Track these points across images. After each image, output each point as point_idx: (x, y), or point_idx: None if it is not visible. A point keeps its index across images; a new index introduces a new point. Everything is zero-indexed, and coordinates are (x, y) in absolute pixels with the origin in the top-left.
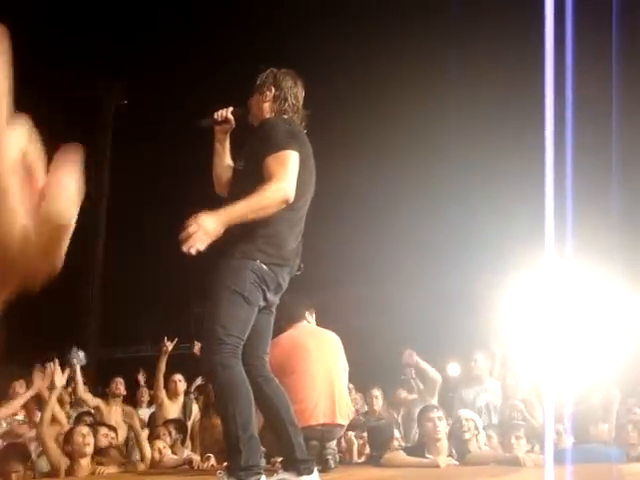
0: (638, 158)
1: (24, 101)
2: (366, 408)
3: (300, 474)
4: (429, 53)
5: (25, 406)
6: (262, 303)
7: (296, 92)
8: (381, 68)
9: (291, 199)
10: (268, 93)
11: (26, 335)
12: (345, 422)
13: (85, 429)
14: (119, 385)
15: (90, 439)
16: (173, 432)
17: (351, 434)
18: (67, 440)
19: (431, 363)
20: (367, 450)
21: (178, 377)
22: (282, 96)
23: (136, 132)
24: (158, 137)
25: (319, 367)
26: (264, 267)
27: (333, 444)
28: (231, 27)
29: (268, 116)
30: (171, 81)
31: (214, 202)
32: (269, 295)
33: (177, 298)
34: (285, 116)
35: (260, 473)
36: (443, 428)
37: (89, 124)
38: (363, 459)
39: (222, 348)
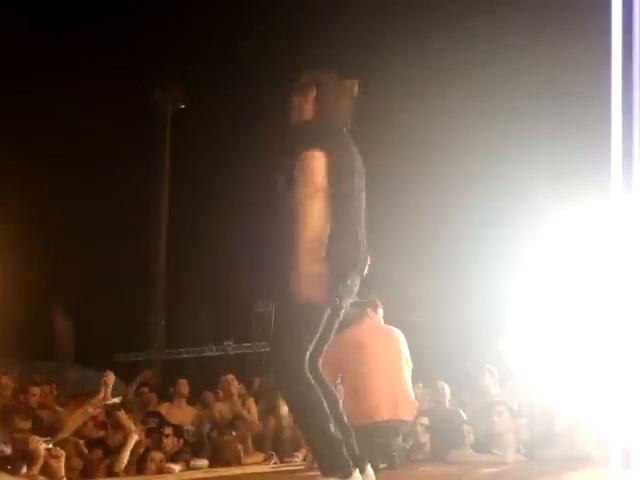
0: None
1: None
2: (432, 404)
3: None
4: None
5: None
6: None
7: (338, 93)
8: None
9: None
10: (310, 94)
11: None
12: (410, 418)
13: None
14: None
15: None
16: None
17: (419, 429)
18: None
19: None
20: (433, 446)
21: (230, 377)
22: (323, 98)
23: (194, 135)
24: (217, 139)
25: (381, 364)
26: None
27: (399, 440)
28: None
29: (309, 119)
30: (228, 84)
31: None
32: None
33: (238, 299)
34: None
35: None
36: (509, 422)
37: (148, 129)
38: (429, 456)
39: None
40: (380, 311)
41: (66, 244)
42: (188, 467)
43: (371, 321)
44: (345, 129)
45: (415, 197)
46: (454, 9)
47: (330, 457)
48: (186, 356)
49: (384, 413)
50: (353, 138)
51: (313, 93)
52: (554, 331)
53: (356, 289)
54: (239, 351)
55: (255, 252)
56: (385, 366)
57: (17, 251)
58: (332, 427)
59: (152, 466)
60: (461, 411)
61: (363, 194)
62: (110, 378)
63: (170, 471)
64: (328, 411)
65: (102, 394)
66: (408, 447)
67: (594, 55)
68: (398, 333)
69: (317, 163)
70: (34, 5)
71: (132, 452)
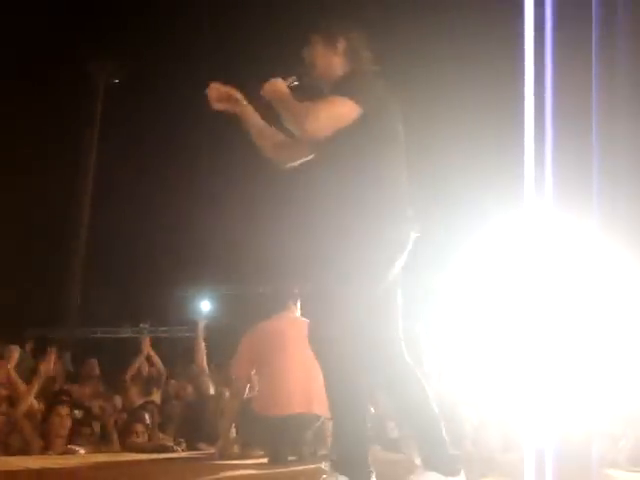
0: (617, 104)
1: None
2: None
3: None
4: None
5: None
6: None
7: (366, 47)
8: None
9: (309, 135)
10: (339, 46)
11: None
12: (324, 413)
13: (65, 410)
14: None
15: (68, 421)
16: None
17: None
18: (44, 420)
19: None
20: None
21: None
22: (355, 49)
23: (127, 110)
24: (149, 115)
25: (297, 357)
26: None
27: (309, 434)
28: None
29: (343, 73)
30: (166, 60)
31: (204, 184)
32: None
33: (159, 281)
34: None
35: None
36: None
37: (80, 101)
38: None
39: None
40: (298, 304)
41: None
42: (95, 451)
43: (289, 313)
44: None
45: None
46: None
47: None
48: (100, 336)
49: (297, 406)
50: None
51: (342, 45)
52: (465, 331)
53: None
54: (156, 335)
55: (181, 234)
56: (301, 359)
57: None
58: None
59: (56, 444)
60: (371, 408)
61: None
62: (13, 353)
63: (74, 452)
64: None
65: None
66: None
67: (507, 58)
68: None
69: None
70: None
71: (38, 429)
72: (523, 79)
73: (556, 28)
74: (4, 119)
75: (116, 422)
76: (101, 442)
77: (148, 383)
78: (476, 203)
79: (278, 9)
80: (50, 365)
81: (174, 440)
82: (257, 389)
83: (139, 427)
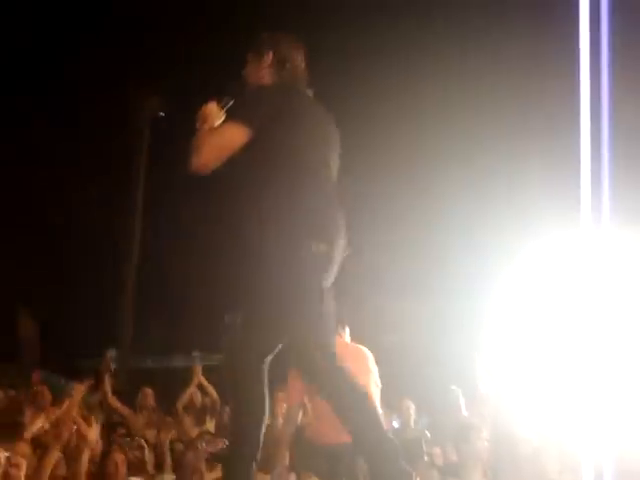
0: None
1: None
2: (397, 425)
3: None
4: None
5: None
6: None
7: (297, 56)
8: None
9: (195, 171)
10: (266, 58)
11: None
12: None
13: (121, 457)
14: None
15: (124, 468)
16: None
17: None
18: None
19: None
20: None
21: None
22: (282, 60)
23: (173, 142)
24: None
25: None
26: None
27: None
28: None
29: (267, 83)
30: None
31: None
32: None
33: (210, 309)
34: (286, 82)
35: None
36: (477, 447)
37: (127, 133)
38: None
39: None
40: (347, 329)
41: (36, 245)
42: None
43: (339, 339)
44: (311, 94)
45: (390, 217)
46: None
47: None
48: (151, 365)
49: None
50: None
51: (269, 58)
52: (523, 355)
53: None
54: (207, 363)
55: (228, 263)
56: None
57: None
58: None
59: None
60: (427, 432)
61: (333, 164)
62: (78, 391)
63: None
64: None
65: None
66: None
67: (564, 80)
68: (367, 352)
69: None
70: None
71: (92, 461)
72: (578, 87)
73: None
74: (53, 150)
75: (171, 452)
76: (156, 472)
77: (202, 412)
78: (531, 222)
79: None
80: (108, 396)
81: None
82: (310, 417)
83: (193, 457)
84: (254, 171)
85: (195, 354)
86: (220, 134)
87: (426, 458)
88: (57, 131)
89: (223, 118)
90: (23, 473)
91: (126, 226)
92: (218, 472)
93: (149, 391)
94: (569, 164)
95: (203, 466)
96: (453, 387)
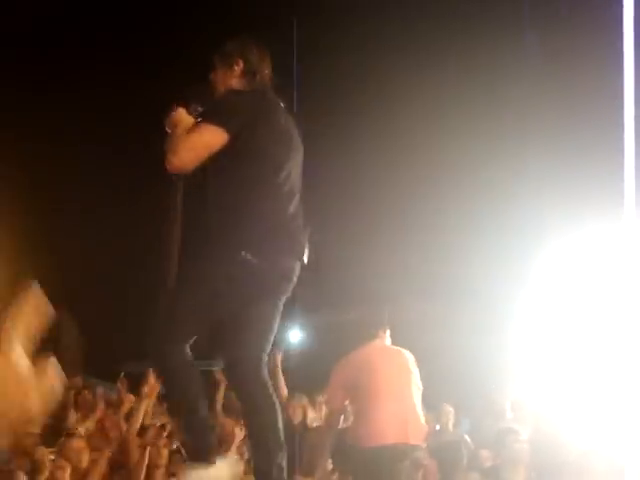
0: None
1: None
2: (438, 427)
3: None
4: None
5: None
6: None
7: (265, 64)
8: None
9: (172, 169)
10: (236, 67)
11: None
12: (419, 442)
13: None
14: None
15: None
16: None
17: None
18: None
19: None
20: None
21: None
22: (251, 69)
23: None
24: None
25: (390, 387)
26: (250, 258)
27: (406, 464)
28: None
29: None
30: None
31: None
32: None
33: None
34: (257, 89)
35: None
36: (521, 450)
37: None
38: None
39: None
40: (388, 332)
41: (78, 249)
42: None
43: (380, 342)
44: (280, 101)
45: (422, 216)
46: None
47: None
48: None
49: (392, 436)
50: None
51: (240, 67)
52: (565, 355)
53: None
54: None
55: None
56: (394, 388)
57: (22, 254)
58: (204, 409)
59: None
60: (466, 436)
61: (297, 168)
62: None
63: None
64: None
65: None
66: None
67: (607, 60)
68: (408, 355)
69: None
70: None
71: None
72: (622, 77)
73: None
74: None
75: None
76: None
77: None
78: (571, 219)
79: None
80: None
81: None
82: (351, 420)
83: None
84: (228, 174)
85: None
86: (199, 136)
87: (465, 461)
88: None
89: (192, 123)
90: (68, 475)
91: (168, 228)
92: None
93: None
94: (611, 157)
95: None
96: (494, 390)
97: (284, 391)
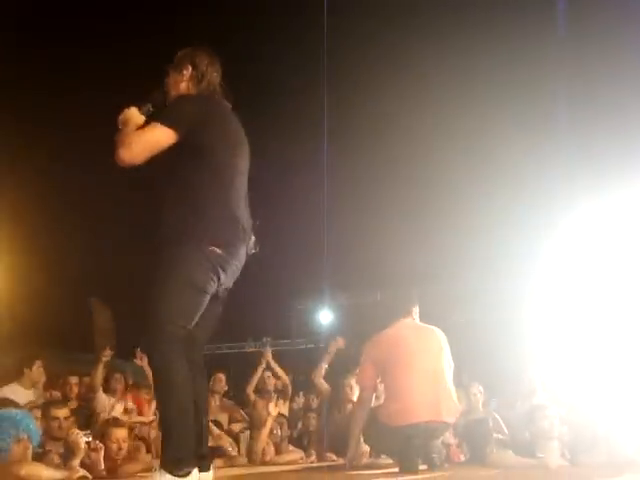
0: None
1: None
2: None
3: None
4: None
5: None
6: (215, 289)
7: (213, 70)
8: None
9: (122, 163)
10: (185, 72)
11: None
12: (451, 419)
13: None
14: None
15: None
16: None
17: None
18: None
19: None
20: (471, 449)
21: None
22: (199, 74)
23: None
24: None
25: (422, 364)
26: (218, 251)
27: (438, 442)
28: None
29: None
30: None
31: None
32: (223, 279)
33: (277, 295)
34: (205, 93)
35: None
36: (557, 428)
37: None
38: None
39: (166, 337)
40: (417, 310)
41: (106, 235)
42: (226, 463)
43: (411, 320)
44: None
45: (448, 201)
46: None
47: (174, 451)
48: (226, 351)
49: (425, 414)
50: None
51: (189, 71)
52: (595, 332)
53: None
54: (277, 347)
55: (296, 248)
56: (426, 366)
57: (54, 241)
58: (190, 416)
59: None
60: (496, 414)
61: (245, 165)
62: None
63: None
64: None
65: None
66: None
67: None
68: (439, 332)
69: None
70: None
71: None
72: None
73: None
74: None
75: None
76: (229, 456)
77: (274, 396)
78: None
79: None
80: None
81: (305, 451)
82: (383, 398)
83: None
84: (176, 172)
85: (266, 339)
86: (151, 133)
87: (500, 436)
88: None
89: (143, 121)
90: (102, 457)
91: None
92: (290, 455)
93: (221, 376)
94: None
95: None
96: (524, 370)
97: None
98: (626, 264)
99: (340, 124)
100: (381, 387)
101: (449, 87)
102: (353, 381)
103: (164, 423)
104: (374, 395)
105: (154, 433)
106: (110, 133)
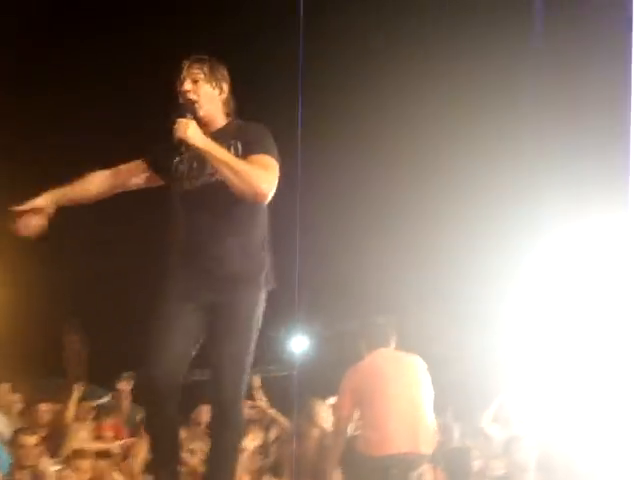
0: None
1: None
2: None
3: None
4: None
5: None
6: None
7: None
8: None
9: (265, 199)
10: (225, 88)
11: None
12: (429, 451)
13: None
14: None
15: None
16: None
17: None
18: None
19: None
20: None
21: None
22: (230, 94)
23: None
24: None
25: (400, 394)
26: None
27: (415, 474)
28: None
29: (223, 121)
30: None
31: None
32: None
33: None
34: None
35: None
36: (533, 459)
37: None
38: None
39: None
40: (394, 338)
41: (81, 257)
42: None
43: (389, 349)
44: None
45: (427, 229)
46: None
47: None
48: (204, 378)
49: (403, 445)
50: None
51: (227, 89)
52: (568, 358)
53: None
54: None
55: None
56: (404, 396)
57: (28, 264)
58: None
59: None
60: (472, 448)
61: None
62: None
63: None
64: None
65: None
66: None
67: (611, 52)
68: (418, 361)
69: None
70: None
71: None
72: (630, 68)
73: None
74: None
75: None
76: None
77: (248, 424)
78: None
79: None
80: None
81: None
82: (362, 428)
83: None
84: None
85: None
86: (274, 167)
87: (475, 468)
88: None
89: None
90: None
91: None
92: None
93: (205, 408)
94: (615, 153)
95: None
96: (498, 398)
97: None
98: (604, 292)
99: (314, 145)
100: (359, 416)
101: (426, 97)
102: (324, 408)
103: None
104: (351, 424)
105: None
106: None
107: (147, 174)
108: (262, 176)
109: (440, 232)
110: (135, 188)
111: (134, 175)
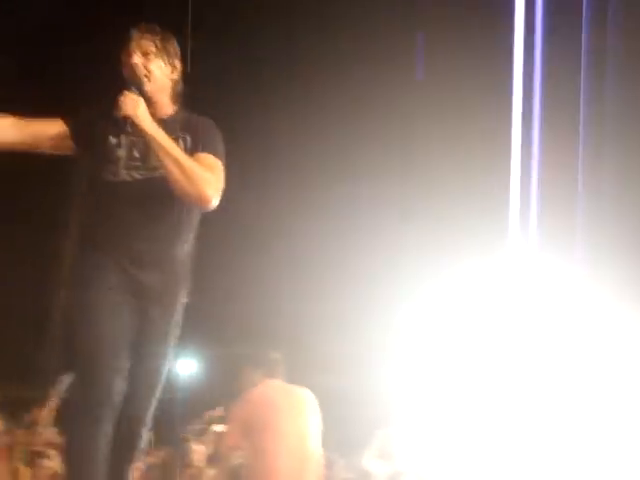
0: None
1: None
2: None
3: None
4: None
5: None
6: None
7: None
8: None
9: (208, 205)
10: (177, 65)
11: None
12: None
13: None
14: None
15: None
16: None
17: None
18: None
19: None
20: None
21: None
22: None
23: None
24: None
25: (290, 428)
26: None
27: None
28: None
29: (170, 108)
30: None
31: None
32: None
33: None
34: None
35: None
36: None
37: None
38: None
39: None
40: (282, 370)
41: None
42: None
43: (278, 380)
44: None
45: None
46: None
47: None
48: None
49: (289, 477)
50: None
51: (179, 67)
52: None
53: None
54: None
55: None
56: (294, 430)
57: None
58: None
59: None
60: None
61: None
62: None
63: None
64: None
65: None
66: None
67: (494, 94)
68: (308, 394)
69: None
70: None
71: None
72: (510, 111)
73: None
74: None
75: None
76: None
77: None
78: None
79: None
80: None
81: None
82: (248, 458)
83: None
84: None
85: None
86: (220, 170)
87: None
88: None
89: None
90: None
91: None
92: None
93: None
94: (498, 185)
95: None
96: (381, 431)
97: None
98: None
99: None
100: (247, 447)
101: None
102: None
103: None
104: (236, 454)
105: None
106: None
107: (61, 141)
108: (209, 180)
109: (328, 276)
110: (45, 152)
111: (48, 137)
